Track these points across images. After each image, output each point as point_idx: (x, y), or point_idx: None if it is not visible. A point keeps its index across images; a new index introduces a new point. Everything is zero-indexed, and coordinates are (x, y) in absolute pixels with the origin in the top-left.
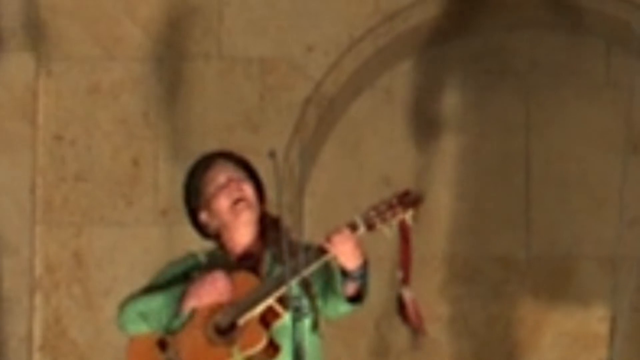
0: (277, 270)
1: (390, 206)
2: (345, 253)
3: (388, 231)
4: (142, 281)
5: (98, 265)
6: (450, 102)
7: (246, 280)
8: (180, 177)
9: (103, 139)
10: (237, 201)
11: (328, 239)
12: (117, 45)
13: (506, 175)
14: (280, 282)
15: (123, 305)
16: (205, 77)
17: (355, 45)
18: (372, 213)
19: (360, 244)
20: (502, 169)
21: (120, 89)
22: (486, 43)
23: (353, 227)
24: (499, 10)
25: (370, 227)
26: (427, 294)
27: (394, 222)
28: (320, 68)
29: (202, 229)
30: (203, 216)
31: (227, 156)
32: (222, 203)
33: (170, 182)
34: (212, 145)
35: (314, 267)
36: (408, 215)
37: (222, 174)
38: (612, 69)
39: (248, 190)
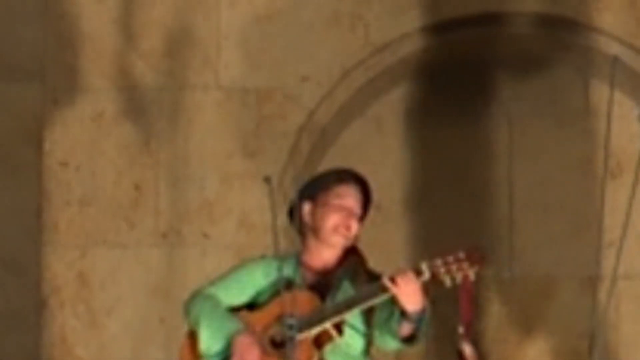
0: (341, 296)
1: (457, 260)
2: (408, 295)
3: (449, 282)
4: (144, 300)
5: (102, 285)
6: (437, 130)
7: (310, 300)
8: (180, 202)
9: (106, 165)
10: (339, 229)
11: (392, 279)
12: (120, 76)
13: (490, 200)
14: (341, 309)
15: (193, 299)
16: (204, 107)
17: (347, 76)
18: (439, 262)
19: (422, 290)
20: (487, 194)
21: (123, 118)
22: (471, 74)
23: (418, 272)
24: (484, 43)
25: (434, 275)
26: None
27: (458, 276)
28: (314, 98)
29: (294, 213)
30: (306, 207)
31: (364, 187)
32: (330, 219)
33: (170, 206)
34: (210, 171)
35: (374, 302)
36: (472, 272)
37: (351, 199)
38: (591, 99)
39: (354, 228)
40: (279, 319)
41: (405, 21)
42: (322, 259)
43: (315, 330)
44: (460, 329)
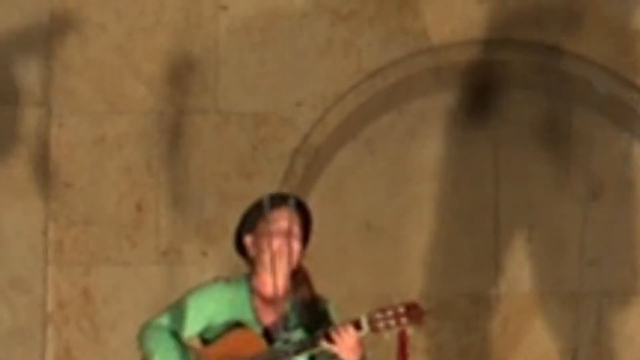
0: (281, 346)
1: (396, 314)
2: (347, 349)
3: (388, 335)
4: (145, 316)
5: (105, 301)
6: (426, 153)
7: (254, 341)
8: (179, 222)
9: (109, 186)
10: (282, 252)
11: (335, 332)
12: (122, 101)
13: (477, 220)
14: (282, 355)
15: (146, 330)
16: (202, 130)
17: (340, 101)
18: (379, 316)
19: (361, 342)
20: (474, 215)
21: (124, 141)
22: (459, 99)
23: (357, 326)
24: (470, 70)
25: (373, 330)
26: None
27: (396, 330)
28: (308, 121)
29: (241, 248)
30: (248, 239)
31: (300, 207)
32: (271, 244)
33: (170, 225)
34: (209, 191)
35: (315, 351)
36: (409, 328)
37: (286, 221)
38: (574, 123)
39: (296, 248)
40: (229, 356)
41: (395, 48)
42: (271, 285)
43: None
44: None
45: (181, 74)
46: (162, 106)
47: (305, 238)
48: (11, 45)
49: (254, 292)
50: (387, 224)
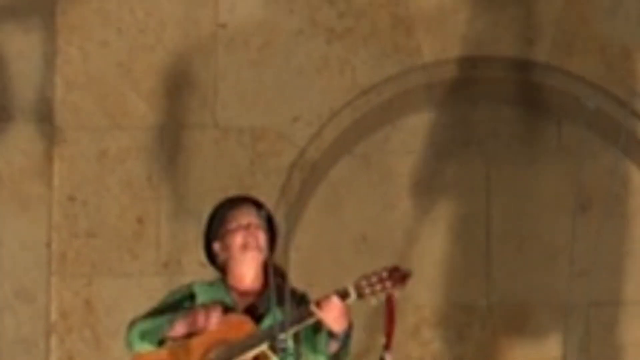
0: (271, 319)
1: (380, 279)
2: (334, 318)
3: (375, 301)
4: None
5: (107, 311)
6: (420, 167)
7: (243, 323)
8: (179, 234)
9: (111, 200)
10: (248, 242)
11: (318, 304)
12: (124, 116)
13: (469, 232)
14: (275, 332)
15: (129, 326)
16: (202, 145)
17: (336, 117)
18: (364, 283)
19: (348, 310)
20: (465, 227)
21: (126, 155)
22: (452, 115)
23: (345, 294)
24: (462, 86)
25: (360, 296)
26: (400, 337)
27: (382, 295)
28: (304, 137)
29: (212, 258)
30: (216, 246)
31: (254, 203)
32: (236, 240)
33: (171, 238)
34: (208, 205)
35: (302, 325)
36: (395, 291)
37: (244, 216)
38: (563, 138)
39: (261, 237)
40: (218, 342)
41: (389, 65)
42: (247, 279)
43: (252, 353)
44: (382, 340)
45: (181, 90)
46: (162, 121)
47: (270, 229)
48: (16, 63)
49: (230, 288)
50: (382, 236)
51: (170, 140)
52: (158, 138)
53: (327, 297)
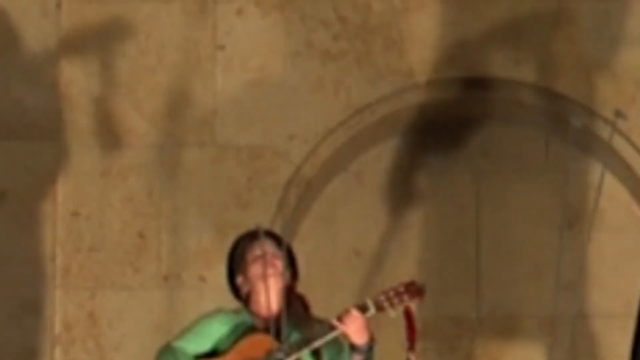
0: (294, 337)
1: (398, 293)
2: (355, 331)
3: (393, 313)
4: (147, 337)
5: (109, 323)
6: (412, 183)
7: (265, 341)
8: (179, 249)
9: (113, 215)
10: (267, 270)
11: (339, 319)
12: (125, 135)
13: (459, 246)
14: (297, 347)
15: (165, 353)
16: (201, 162)
17: (330, 135)
18: (382, 297)
19: (368, 323)
20: (456, 241)
21: (128, 172)
22: (442, 133)
23: (364, 309)
24: (453, 105)
25: (379, 309)
26: (392, 348)
27: (400, 308)
28: (300, 154)
29: (236, 291)
30: (239, 279)
31: (271, 235)
32: (256, 270)
33: (171, 252)
34: (207, 220)
35: (324, 340)
36: (412, 304)
37: (261, 247)
38: (551, 155)
39: (279, 264)
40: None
41: (382, 86)
42: (270, 306)
43: None
44: (407, 344)
45: (181, 110)
46: (163, 140)
47: (290, 258)
48: (22, 84)
49: (255, 315)
50: (374, 251)
51: (171, 158)
52: (159, 156)
53: (347, 310)
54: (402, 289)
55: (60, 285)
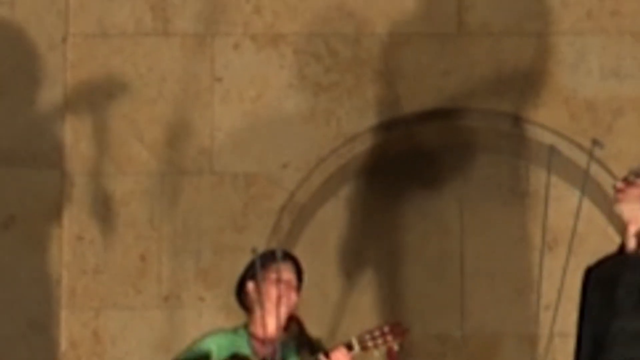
0: None
1: (382, 333)
2: None
3: (377, 353)
4: (149, 355)
5: (113, 342)
6: (399, 209)
7: None
8: (179, 271)
9: (116, 239)
10: (283, 298)
11: (326, 355)
12: (128, 163)
13: (444, 269)
14: None
15: None
16: (199, 189)
17: (322, 163)
18: (367, 337)
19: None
20: (442, 264)
21: (130, 198)
22: (427, 161)
23: (349, 347)
24: (439, 135)
25: (363, 348)
26: None
27: (383, 348)
28: (293, 181)
29: (240, 295)
30: (250, 286)
31: (296, 263)
32: (273, 291)
33: (171, 274)
34: (205, 244)
35: None
36: (395, 344)
37: (287, 273)
38: (531, 182)
39: (293, 297)
40: None
41: (371, 116)
42: (269, 328)
43: None
44: None
45: (180, 139)
46: (163, 168)
47: (299, 288)
48: (30, 115)
49: (253, 337)
50: (364, 272)
51: (171, 185)
52: (159, 183)
53: (335, 347)
54: (386, 329)
55: (66, 306)
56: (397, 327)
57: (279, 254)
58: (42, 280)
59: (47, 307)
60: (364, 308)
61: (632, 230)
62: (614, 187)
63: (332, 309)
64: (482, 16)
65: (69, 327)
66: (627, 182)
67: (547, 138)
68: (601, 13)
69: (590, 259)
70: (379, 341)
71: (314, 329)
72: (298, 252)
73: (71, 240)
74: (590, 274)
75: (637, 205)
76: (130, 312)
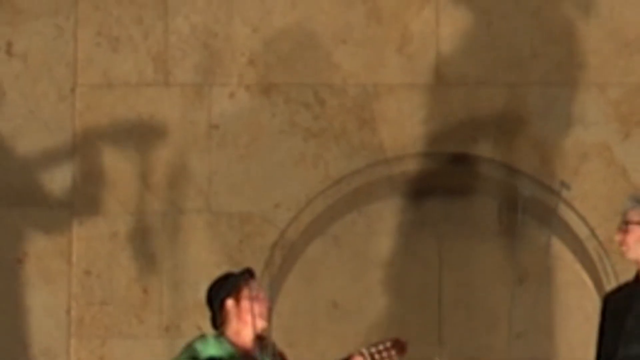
0: None
1: (386, 348)
2: None
3: None
4: None
5: None
6: (383, 246)
7: None
8: (179, 302)
9: (121, 273)
10: (263, 313)
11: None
12: (132, 203)
13: (424, 300)
14: None
15: None
16: (198, 227)
17: (311, 203)
18: (374, 349)
19: None
20: (421, 296)
21: (134, 235)
22: (409, 201)
23: (363, 356)
24: (419, 177)
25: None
26: None
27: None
28: (285, 220)
29: (216, 312)
30: (229, 303)
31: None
32: (253, 307)
33: (172, 305)
34: (203, 277)
35: None
36: (397, 358)
37: (262, 290)
38: (504, 221)
39: (269, 311)
40: None
41: (357, 160)
42: (246, 338)
43: None
44: None
45: (180, 181)
46: (164, 207)
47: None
48: (41, 159)
49: (231, 343)
50: (350, 304)
51: (171, 223)
52: (160, 221)
53: (352, 356)
54: (389, 345)
55: (74, 335)
56: (398, 343)
57: (243, 274)
58: (53, 311)
59: (57, 336)
60: (349, 336)
61: None
62: (617, 242)
63: (320, 337)
64: (458, 68)
65: (78, 355)
66: (622, 231)
67: (519, 179)
68: (569, 66)
69: (558, 291)
70: (384, 355)
71: (304, 356)
72: (289, 285)
73: (79, 274)
74: (607, 302)
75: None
76: (134, 340)
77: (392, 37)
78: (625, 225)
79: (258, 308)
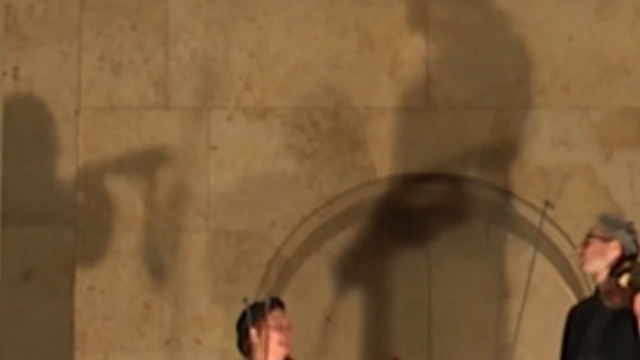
0: None
1: None
2: None
3: None
4: None
5: None
6: (374, 263)
7: None
8: (179, 317)
9: (123, 289)
10: (284, 341)
11: None
12: (133, 221)
13: (414, 316)
14: None
15: None
16: (196, 245)
17: (305, 222)
18: None
19: None
20: (411, 311)
21: (135, 253)
22: (400, 220)
23: None
24: (409, 197)
25: None
26: None
27: None
28: (280, 238)
29: (242, 340)
30: (253, 332)
31: (283, 308)
32: (275, 337)
33: (172, 320)
34: (202, 293)
35: None
36: None
37: (285, 319)
38: (490, 239)
39: (292, 338)
40: None
41: (349, 180)
42: None
43: None
44: None
45: (180, 200)
46: (164, 226)
47: None
48: (46, 178)
49: None
50: (342, 319)
51: (171, 241)
52: (161, 239)
53: None
54: None
55: (78, 348)
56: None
57: (267, 301)
58: (57, 325)
59: (61, 350)
60: (341, 350)
61: (599, 279)
62: (577, 254)
63: (314, 351)
64: (447, 92)
65: None
66: (583, 243)
67: (504, 199)
68: (552, 89)
69: (543, 306)
70: None
71: None
72: (284, 300)
73: (83, 290)
74: (572, 315)
75: (597, 261)
76: (136, 354)
77: (383, 62)
78: (587, 239)
79: (279, 337)
